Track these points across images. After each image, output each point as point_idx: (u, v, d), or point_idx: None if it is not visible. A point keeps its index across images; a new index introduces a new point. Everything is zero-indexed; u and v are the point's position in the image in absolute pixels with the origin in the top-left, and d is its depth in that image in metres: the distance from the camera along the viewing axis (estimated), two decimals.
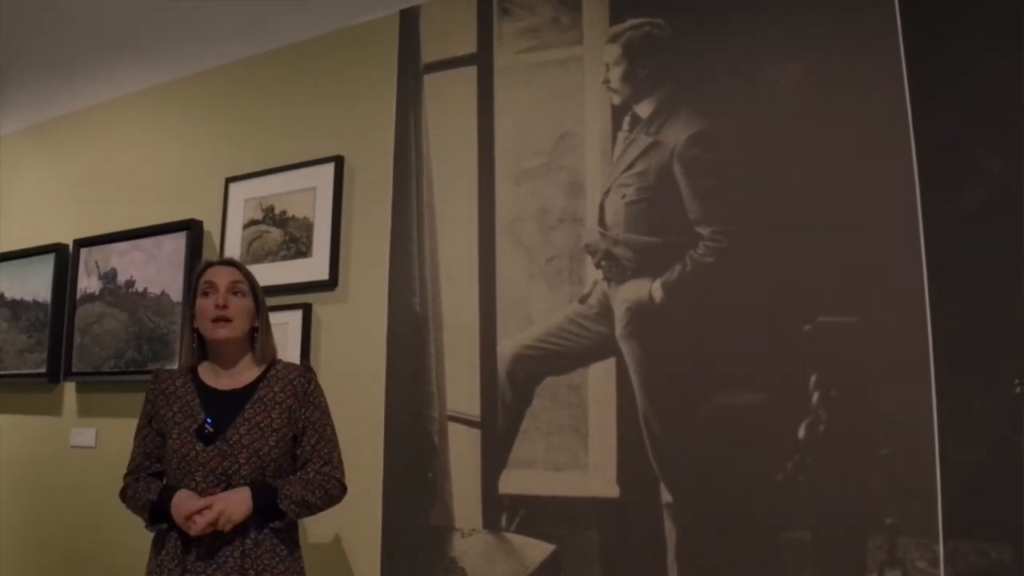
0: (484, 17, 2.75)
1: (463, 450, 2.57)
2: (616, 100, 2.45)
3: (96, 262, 3.58)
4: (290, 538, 2.13)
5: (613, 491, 2.31)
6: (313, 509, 2.13)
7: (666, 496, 2.21)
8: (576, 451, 2.38)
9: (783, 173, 2.16)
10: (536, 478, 2.43)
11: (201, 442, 2.07)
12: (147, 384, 2.24)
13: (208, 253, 3.30)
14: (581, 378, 2.40)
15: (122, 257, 3.50)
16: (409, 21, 2.93)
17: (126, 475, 2.20)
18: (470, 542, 2.51)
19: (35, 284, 3.78)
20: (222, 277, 2.20)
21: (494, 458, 2.51)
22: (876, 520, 1.92)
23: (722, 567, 2.12)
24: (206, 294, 2.18)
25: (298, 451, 2.17)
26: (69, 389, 3.64)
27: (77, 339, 3.56)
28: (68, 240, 3.74)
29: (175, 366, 3.19)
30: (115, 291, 3.48)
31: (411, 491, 2.63)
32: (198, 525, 1.94)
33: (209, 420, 2.10)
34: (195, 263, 3.27)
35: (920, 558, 1.86)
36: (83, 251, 3.64)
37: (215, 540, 2.00)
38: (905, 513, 1.89)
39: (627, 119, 2.42)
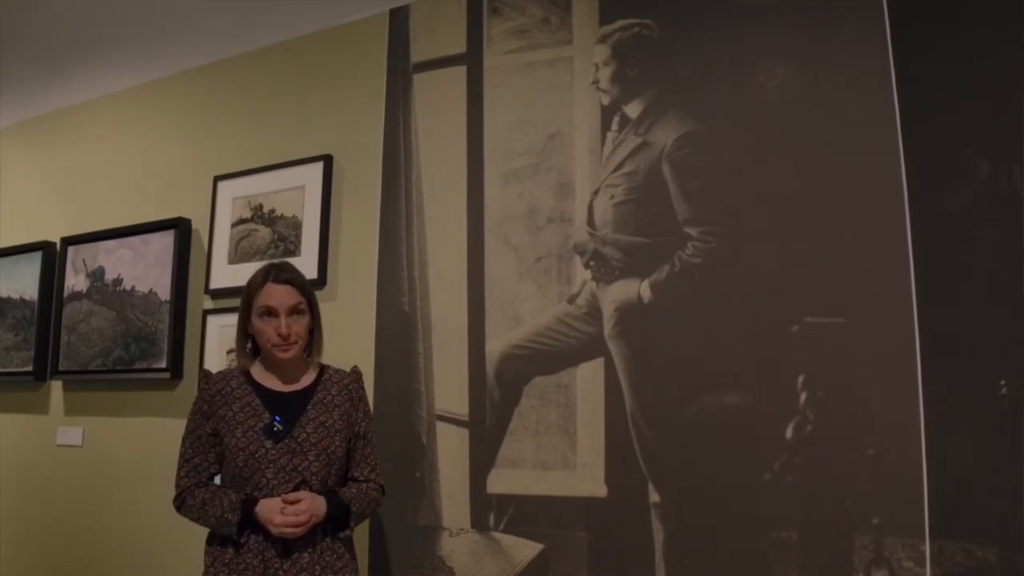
0: (474, 17, 2.75)
1: (451, 449, 2.57)
2: (605, 100, 2.46)
3: (83, 260, 3.56)
4: (351, 543, 2.21)
5: (601, 491, 2.31)
6: (364, 519, 2.25)
7: (654, 496, 2.22)
8: (564, 451, 2.38)
9: (771, 174, 2.17)
10: (524, 477, 2.43)
11: (270, 440, 2.09)
12: (200, 385, 2.21)
13: (196, 252, 3.29)
14: (569, 378, 2.40)
15: (110, 255, 3.48)
16: (398, 20, 2.93)
17: (182, 478, 2.15)
18: (458, 541, 2.51)
19: (22, 282, 3.76)
20: (282, 301, 2.15)
21: (482, 457, 2.51)
22: (863, 520, 1.93)
23: (710, 567, 2.12)
24: (264, 316, 2.15)
25: (350, 461, 2.24)
26: (56, 388, 3.62)
27: (64, 337, 3.54)
28: (55, 238, 3.73)
29: (163, 364, 3.19)
30: (102, 289, 3.47)
31: (399, 490, 2.62)
32: (289, 520, 1.99)
33: (278, 418, 2.12)
34: (183, 262, 3.27)
35: (906, 558, 1.87)
36: (70, 249, 3.62)
37: (291, 542, 2.05)
38: (892, 513, 1.90)
39: (616, 119, 2.42)
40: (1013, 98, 1.88)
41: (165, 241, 3.32)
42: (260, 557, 2.04)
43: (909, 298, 1.94)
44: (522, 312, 2.51)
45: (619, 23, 2.46)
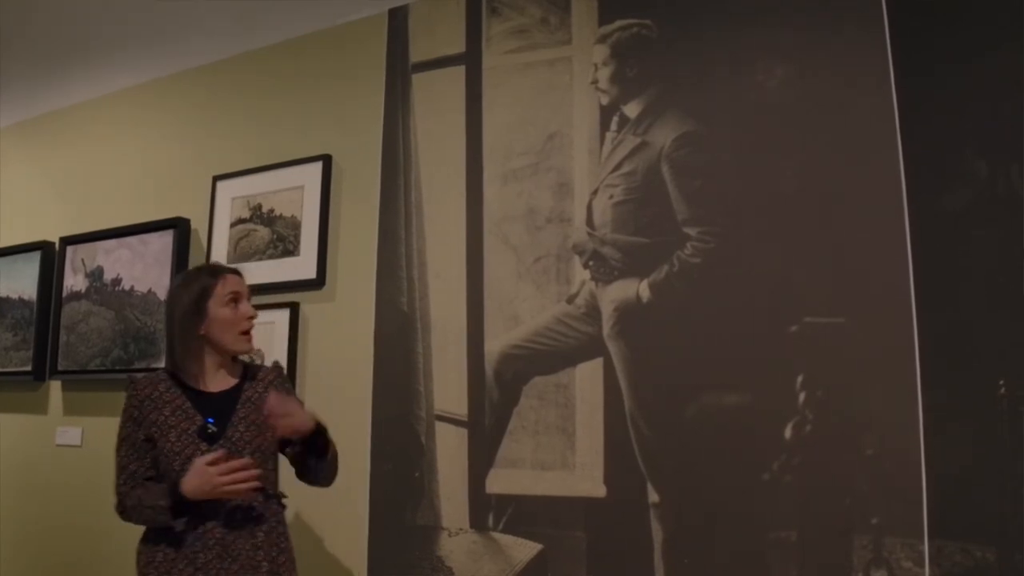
0: (473, 17, 2.75)
1: (450, 449, 2.57)
2: (604, 100, 2.46)
3: (82, 260, 3.56)
4: (287, 537, 2.21)
5: (600, 491, 2.31)
6: (335, 466, 2.24)
7: (653, 496, 2.22)
8: (563, 451, 2.38)
9: (771, 174, 2.17)
10: (523, 477, 2.43)
11: (205, 442, 2.09)
12: (127, 392, 2.20)
13: (195, 251, 3.29)
14: (568, 378, 2.40)
15: (108, 255, 3.48)
16: (397, 20, 2.93)
17: (120, 485, 2.14)
18: (457, 541, 2.51)
19: (21, 281, 3.76)
20: (243, 286, 2.23)
21: (481, 457, 2.51)
22: (862, 520, 1.93)
23: (708, 567, 2.12)
24: (229, 303, 2.18)
25: (293, 446, 2.22)
26: (55, 388, 3.62)
27: (63, 337, 3.54)
28: (54, 238, 3.73)
29: (162, 364, 3.18)
30: (101, 289, 3.47)
31: (398, 490, 2.62)
32: (225, 479, 1.96)
33: (211, 420, 2.11)
34: (182, 261, 3.27)
35: (905, 558, 1.87)
36: (69, 249, 3.62)
37: (231, 542, 2.05)
38: (890, 513, 1.90)
39: (615, 119, 2.42)
40: (1012, 98, 1.88)
41: (164, 241, 3.32)
42: (192, 564, 2.03)
43: (908, 298, 1.94)
44: (521, 312, 2.51)
45: (618, 23, 2.46)
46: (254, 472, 1.98)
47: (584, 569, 2.29)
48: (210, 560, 2.03)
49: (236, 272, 2.26)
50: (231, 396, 2.18)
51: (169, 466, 2.09)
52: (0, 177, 4.12)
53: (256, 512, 2.10)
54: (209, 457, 1.98)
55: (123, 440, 2.16)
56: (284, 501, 2.21)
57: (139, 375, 2.24)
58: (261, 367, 2.32)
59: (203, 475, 1.97)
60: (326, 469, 2.20)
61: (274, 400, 2.06)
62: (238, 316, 2.18)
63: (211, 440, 2.09)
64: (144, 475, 2.13)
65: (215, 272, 2.22)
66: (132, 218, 3.47)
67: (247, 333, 2.20)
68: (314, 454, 2.16)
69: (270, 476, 2.17)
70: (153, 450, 2.12)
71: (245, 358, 2.32)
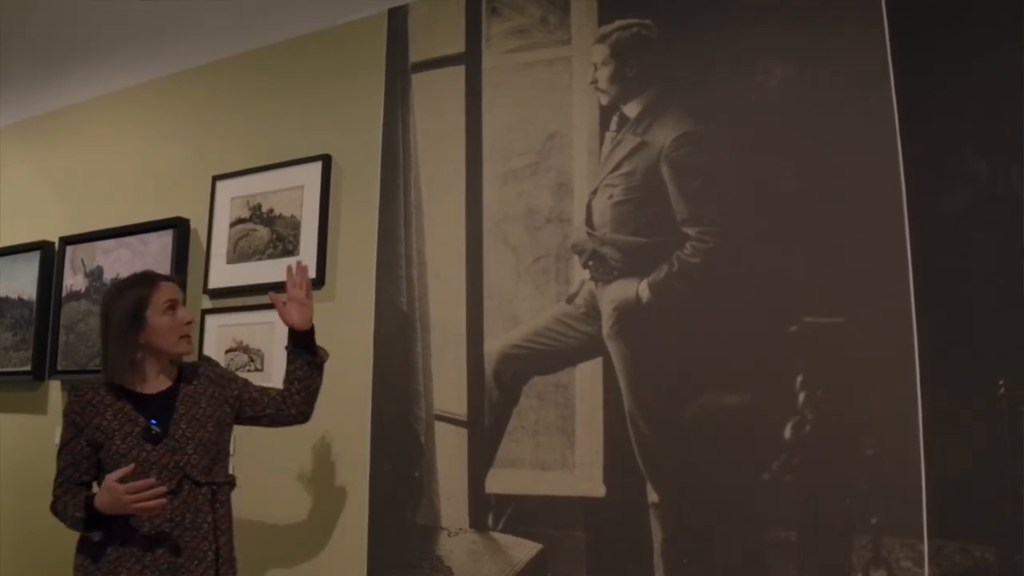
0: (472, 16, 2.75)
1: (450, 449, 2.57)
2: (604, 100, 2.45)
3: (82, 260, 3.56)
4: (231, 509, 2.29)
5: (600, 491, 2.31)
6: (320, 382, 2.42)
7: (652, 496, 2.22)
8: (563, 450, 2.38)
9: (770, 174, 2.17)
10: (523, 477, 2.43)
11: (150, 443, 2.13)
12: (68, 398, 2.23)
13: (195, 251, 3.29)
14: (568, 378, 2.40)
15: (108, 255, 3.48)
16: (397, 20, 2.93)
17: (54, 489, 2.19)
18: (457, 541, 2.51)
19: (20, 281, 3.76)
20: (178, 293, 2.28)
21: (481, 457, 2.51)
22: (861, 520, 1.93)
23: (708, 567, 2.12)
24: (167, 311, 2.22)
25: (253, 407, 2.36)
26: (54, 387, 3.62)
27: (62, 337, 3.54)
28: (54, 237, 3.72)
29: None
30: (101, 289, 3.46)
31: (398, 490, 2.62)
32: (135, 497, 1.97)
33: (154, 421, 2.16)
34: (182, 261, 3.26)
35: (905, 558, 1.87)
36: (69, 248, 3.62)
37: (174, 528, 2.10)
38: (890, 513, 1.90)
39: (615, 119, 2.42)
40: (1012, 98, 1.88)
41: (163, 241, 3.32)
42: (140, 563, 2.06)
43: (908, 298, 1.94)
44: (521, 312, 2.51)
45: (618, 23, 2.46)
46: (160, 490, 1.99)
47: (584, 569, 2.29)
48: (159, 556, 2.07)
49: (171, 279, 2.31)
50: (169, 396, 2.23)
51: (116, 468, 2.09)
52: (0, 177, 4.12)
53: (202, 504, 2.15)
54: (118, 474, 1.99)
55: (64, 444, 2.21)
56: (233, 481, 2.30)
57: (81, 383, 2.28)
58: (195, 364, 2.36)
59: (112, 492, 1.99)
60: (314, 373, 2.38)
61: (301, 274, 2.37)
62: (176, 323, 2.23)
63: (155, 440, 2.13)
64: (78, 480, 2.18)
65: (150, 281, 2.25)
66: (132, 218, 3.47)
67: (187, 337, 2.25)
68: (305, 354, 2.36)
69: (214, 465, 2.22)
70: (96, 454, 2.16)
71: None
